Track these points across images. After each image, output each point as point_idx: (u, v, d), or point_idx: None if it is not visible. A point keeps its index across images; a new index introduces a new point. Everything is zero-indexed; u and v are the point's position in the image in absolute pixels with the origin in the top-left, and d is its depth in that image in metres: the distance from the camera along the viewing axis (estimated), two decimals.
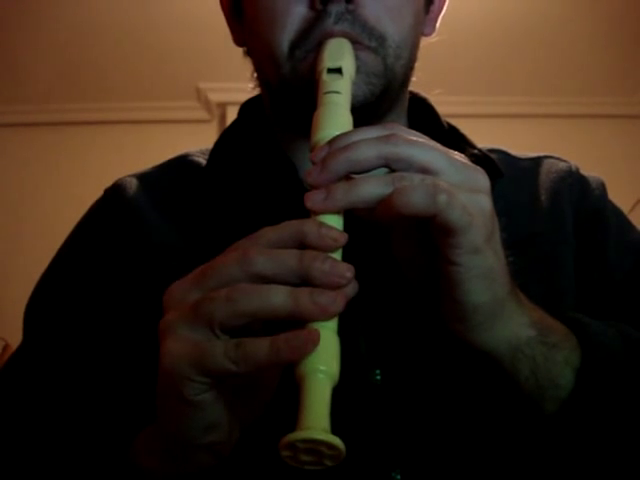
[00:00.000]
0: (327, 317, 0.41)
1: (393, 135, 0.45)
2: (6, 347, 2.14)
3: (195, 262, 0.45)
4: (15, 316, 0.69)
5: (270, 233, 0.43)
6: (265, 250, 0.42)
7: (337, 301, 0.41)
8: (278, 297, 0.40)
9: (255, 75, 0.72)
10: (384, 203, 0.43)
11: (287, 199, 0.58)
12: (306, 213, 0.45)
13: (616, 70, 2.59)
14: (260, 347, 0.40)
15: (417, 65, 0.70)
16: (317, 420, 0.38)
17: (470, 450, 0.56)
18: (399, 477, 0.54)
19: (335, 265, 0.42)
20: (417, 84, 0.73)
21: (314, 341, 0.40)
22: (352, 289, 0.43)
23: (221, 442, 0.45)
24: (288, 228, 0.43)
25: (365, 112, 0.60)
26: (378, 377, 0.57)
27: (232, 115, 0.75)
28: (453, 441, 0.56)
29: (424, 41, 0.71)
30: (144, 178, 0.71)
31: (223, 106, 2.65)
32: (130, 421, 0.52)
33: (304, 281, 0.41)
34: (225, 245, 0.44)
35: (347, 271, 0.42)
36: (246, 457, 0.52)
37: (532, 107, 2.74)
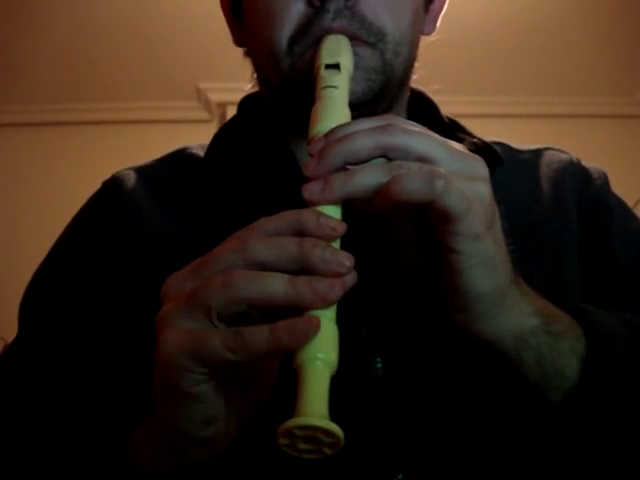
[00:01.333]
0: (325, 305, 0.41)
1: (390, 125, 0.45)
2: (6, 347, 2.13)
3: (193, 254, 0.44)
4: (14, 315, 0.69)
5: (268, 223, 0.43)
6: (264, 237, 0.42)
7: (335, 289, 0.41)
8: (276, 284, 0.40)
9: (255, 76, 0.72)
10: (382, 191, 0.42)
11: (287, 189, 0.58)
12: (306, 203, 0.45)
13: (616, 70, 2.59)
14: (259, 335, 0.39)
15: (417, 64, 0.70)
16: (315, 407, 0.38)
17: (473, 448, 0.56)
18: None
19: (335, 253, 0.41)
20: (417, 83, 0.73)
21: (315, 329, 0.40)
22: (351, 279, 0.42)
23: (218, 437, 0.44)
24: (286, 218, 0.43)
25: (364, 109, 0.60)
26: (379, 365, 0.56)
27: (232, 115, 0.75)
28: (456, 438, 0.56)
29: (424, 40, 0.71)
30: (142, 171, 0.71)
31: (223, 106, 2.65)
32: (126, 415, 0.52)
33: (303, 269, 0.41)
34: (224, 236, 0.44)
35: (347, 260, 0.41)
36: (245, 450, 0.52)
37: (532, 107, 2.74)
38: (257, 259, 0.41)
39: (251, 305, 0.41)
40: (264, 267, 0.41)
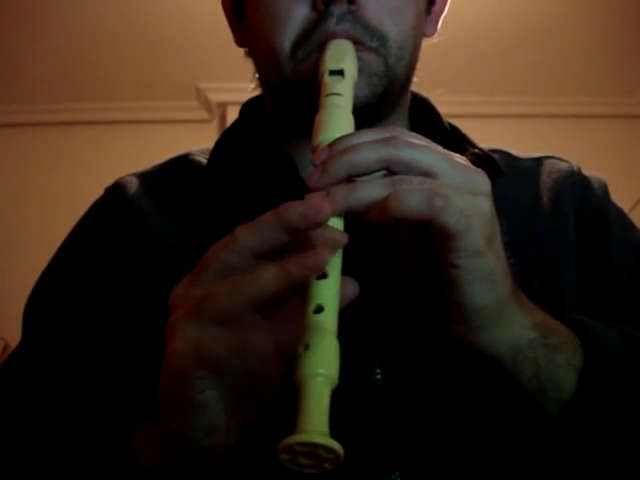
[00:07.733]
0: (319, 272, 0.41)
1: (393, 138, 0.45)
2: (6, 347, 2.14)
3: (195, 261, 0.44)
4: (15, 316, 0.69)
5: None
6: (248, 226, 0.42)
7: (321, 256, 0.40)
8: (269, 274, 0.40)
9: (256, 76, 0.72)
10: (380, 207, 0.42)
11: (288, 198, 0.58)
12: None
13: (616, 70, 2.59)
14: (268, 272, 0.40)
15: (418, 65, 0.70)
16: (316, 423, 0.38)
17: (470, 452, 0.56)
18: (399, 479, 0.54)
19: (308, 202, 0.42)
20: (417, 84, 0.73)
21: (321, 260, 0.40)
22: (353, 290, 0.43)
23: (218, 445, 0.45)
24: None
25: (366, 113, 0.60)
26: (378, 376, 0.57)
27: (232, 115, 0.75)
28: (453, 443, 0.56)
29: (425, 41, 0.71)
30: (145, 177, 0.71)
31: (223, 106, 2.65)
32: (129, 419, 0.52)
33: (292, 239, 0.41)
34: None
35: (326, 204, 0.42)
36: (246, 460, 0.52)
37: (532, 107, 2.74)
38: (247, 246, 0.41)
39: (257, 303, 0.41)
40: (257, 252, 0.41)
